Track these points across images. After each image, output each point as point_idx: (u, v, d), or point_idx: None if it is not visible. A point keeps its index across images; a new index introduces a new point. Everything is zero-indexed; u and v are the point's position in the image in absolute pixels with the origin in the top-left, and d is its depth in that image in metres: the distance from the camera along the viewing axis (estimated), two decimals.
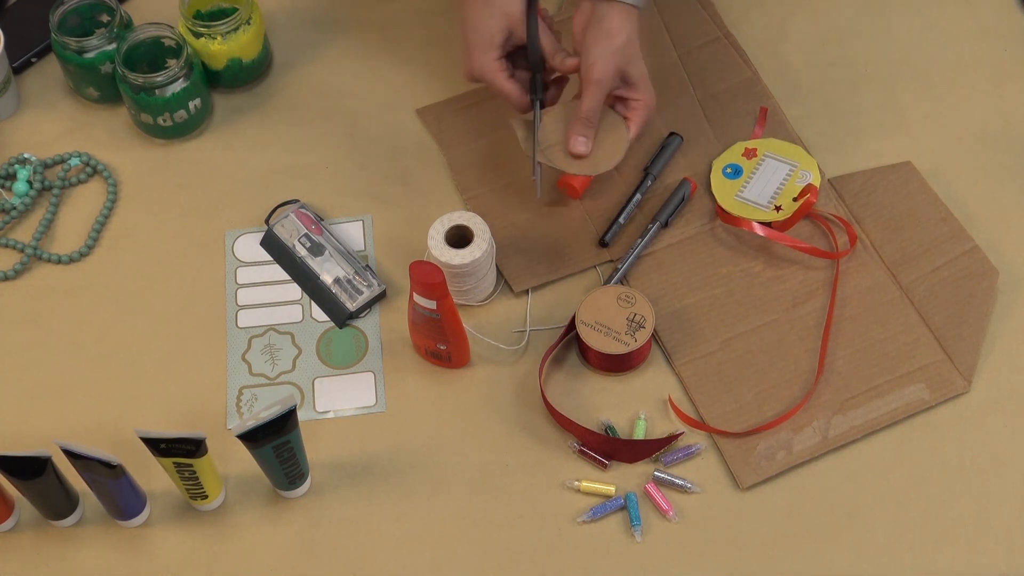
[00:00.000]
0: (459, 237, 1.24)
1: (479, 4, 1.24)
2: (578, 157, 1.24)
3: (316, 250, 1.29)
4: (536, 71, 1.26)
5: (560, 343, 1.23)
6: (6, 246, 1.32)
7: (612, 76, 1.21)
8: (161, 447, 1.07)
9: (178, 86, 1.33)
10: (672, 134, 1.35)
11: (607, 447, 1.18)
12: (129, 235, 1.33)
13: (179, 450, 1.07)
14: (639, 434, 1.19)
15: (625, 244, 1.30)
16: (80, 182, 1.37)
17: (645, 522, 1.15)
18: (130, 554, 1.15)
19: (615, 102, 1.26)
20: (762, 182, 1.32)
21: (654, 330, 1.22)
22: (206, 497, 1.15)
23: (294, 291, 1.29)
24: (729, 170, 1.33)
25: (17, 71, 1.44)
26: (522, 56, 1.28)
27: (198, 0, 1.39)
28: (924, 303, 1.25)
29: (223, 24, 1.35)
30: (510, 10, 1.24)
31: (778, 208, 1.30)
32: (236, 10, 1.38)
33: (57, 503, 1.14)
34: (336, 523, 1.16)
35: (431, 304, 1.15)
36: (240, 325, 1.27)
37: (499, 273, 1.29)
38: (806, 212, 1.29)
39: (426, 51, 1.44)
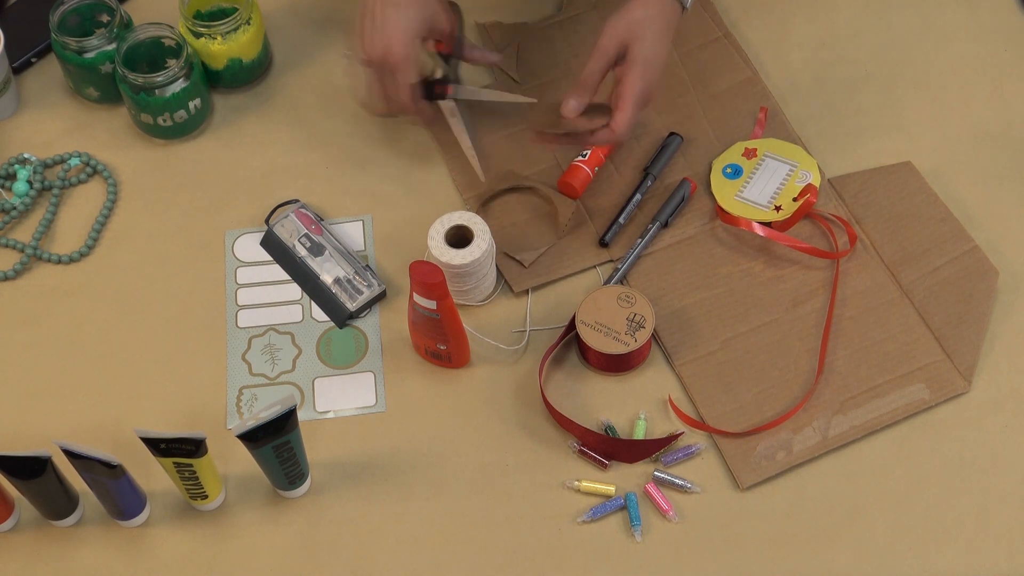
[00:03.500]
0: (459, 237, 1.24)
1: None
2: (566, 119, 1.23)
3: (316, 250, 1.29)
4: (457, 54, 1.30)
5: (560, 343, 1.23)
6: (6, 246, 1.32)
7: (614, 45, 1.21)
8: (161, 447, 1.07)
9: (178, 86, 1.33)
10: (672, 134, 1.35)
11: (607, 447, 1.18)
12: (129, 235, 1.33)
13: (179, 450, 1.07)
14: (639, 434, 1.19)
15: (625, 244, 1.30)
16: (80, 182, 1.37)
17: (645, 522, 1.15)
18: (130, 554, 1.15)
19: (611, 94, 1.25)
20: (762, 182, 1.32)
21: (654, 330, 1.22)
22: (206, 497, 1.15)
23: (294, 291, 1.29)
24: (729, 170, 1.33)
25: (17, 71, 1.44)
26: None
27: (198, 0, 1.39)
28: (924, 303, 1.25)
29: (223, 24, 1.35)
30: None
31: (778, 208, 1.30)
32: (236, 10, 1.38)
33: (57, 503, 1.14)
34: (336, 523, 1.16)
35: (431, 304, 1.15)
36: (240, 325, 1.27)
37: (499, 273, 1.28)
38: (806, 212, 1.29)
39: None
